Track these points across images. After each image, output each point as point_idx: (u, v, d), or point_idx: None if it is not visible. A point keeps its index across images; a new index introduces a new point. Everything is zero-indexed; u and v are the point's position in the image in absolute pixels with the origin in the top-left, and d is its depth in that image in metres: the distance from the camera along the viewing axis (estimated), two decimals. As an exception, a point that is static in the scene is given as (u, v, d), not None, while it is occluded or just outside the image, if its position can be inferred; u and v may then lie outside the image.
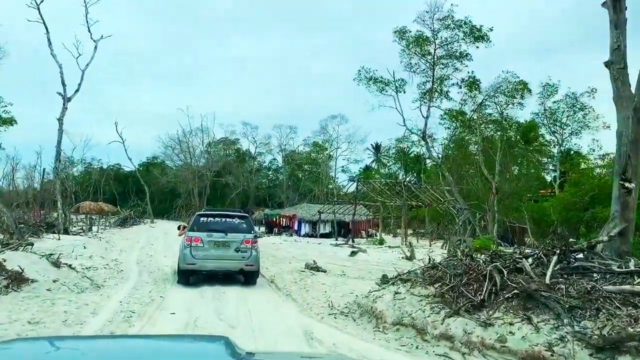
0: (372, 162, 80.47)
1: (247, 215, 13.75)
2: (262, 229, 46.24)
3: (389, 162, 78.33)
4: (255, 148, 79.32)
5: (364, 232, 42.06)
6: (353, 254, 22.44)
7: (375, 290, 9.72)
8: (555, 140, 41.02)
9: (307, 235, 39.02)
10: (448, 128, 35.61)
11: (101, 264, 14.42)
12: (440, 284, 8.80)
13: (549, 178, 48.40)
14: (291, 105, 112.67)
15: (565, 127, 40.32)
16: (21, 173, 68.36)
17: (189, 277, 11.94)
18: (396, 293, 9.11)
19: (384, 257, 21.87)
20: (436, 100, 32.52)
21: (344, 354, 5.70)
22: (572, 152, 46.49)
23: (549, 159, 45.06)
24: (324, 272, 15.68)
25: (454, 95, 33.46)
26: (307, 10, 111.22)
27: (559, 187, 40.98)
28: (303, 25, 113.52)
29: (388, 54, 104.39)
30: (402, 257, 21.40)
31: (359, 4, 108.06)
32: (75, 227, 36.25)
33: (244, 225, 12.68)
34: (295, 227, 39.43)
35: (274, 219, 42.33)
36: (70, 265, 11.57)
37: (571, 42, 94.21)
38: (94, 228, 36.50)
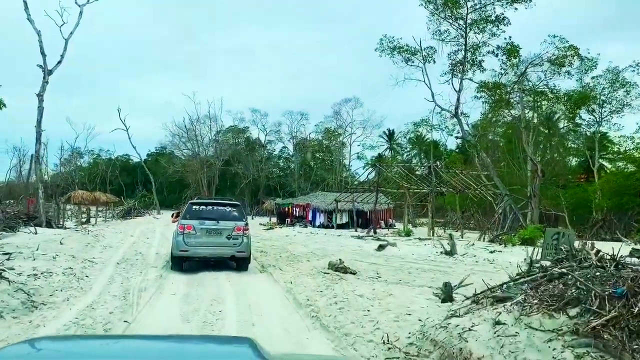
0: (385, 149, 76.60)
1: (238, 203, 13.78)
2: (274, 219, 42.82)
3: (403, 149, 74.41)
4: (265, 136, 75.69)
5: (383, 222, 38.51)
6: (381, 248, 18.79)
7: (456, 316, 6.10)
8: (594, 118, 36.79)
9: (322, 225, 35.45)
10: (485, 102, 31.58)
11: (64, 267, 10.89)
12: (578, 309, 5.18)
13: (575, 161, 44.41)
14: (301, 96, 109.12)
15: (605, 105, 36.11)
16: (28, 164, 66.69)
17: (182, 263, 12.05)
18: (497, 323, 5.48)
19: (418, 252, 18.22)
20: (469, 71, 28.58)
21: None
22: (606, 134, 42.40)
23: (584, 141, 40.90)
24: (354, 274, 12.08)
25: (490, 64, 29.39)
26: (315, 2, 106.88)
27: (597, 172, 37.01)
28: (313, 16, 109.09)
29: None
30: (441, 252, 17.75)
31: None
32: (70, 219, 33.25)
33: (236, 214, 12.88)
34: (310, 218, 35.87)
35: (287, 209, 38.78)
36: (0, 273, 8.02)
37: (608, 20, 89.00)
38: (92, 220, 33.36)
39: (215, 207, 12.99)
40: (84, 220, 32.92)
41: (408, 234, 25.54)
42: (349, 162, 73.35)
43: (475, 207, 40.11)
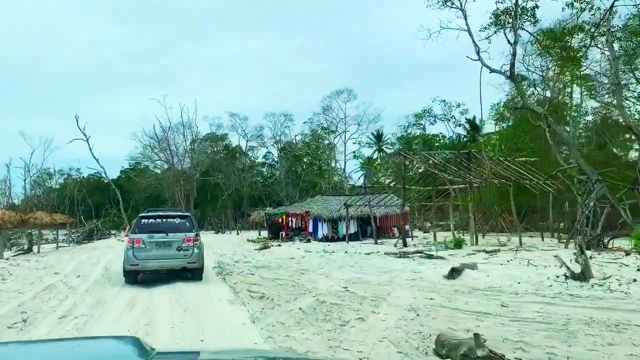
0: (374, 152, 69.35)
1: (188, 214, 13.29)
2: (264, 233, 35.02)
3: (397, 148, 67.13)
4: (247, 142, 67.90)
5: (395, 229, 31.24)
6: (455, 274, 11.31)
7: None
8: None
9: (326, 238, 27.97)
10: (546, 57, 24.13)
11: None
12: None
13: None
14: (281, 102, 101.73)
15: None
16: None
17: (135, 277, 11.86)
18: None
19: (523, 278, 10.84)
20: (526, 20, 21.30)
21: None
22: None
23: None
24: (500, 357, 4.67)
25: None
26: (288, 8, 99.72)
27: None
28: (286, 24, 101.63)
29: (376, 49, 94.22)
30: (565, 277, 10.40)
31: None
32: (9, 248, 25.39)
33: (186, 224, 12.41)
34: (310, 229, 28.32)
35: (280, 220, 31.15)
36: None
37: None
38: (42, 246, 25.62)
39: (164, 220, 12.51)
40: (27, 247, 25.25)
41: (459, 244, 18.10)
42: (344, 162, 65.71)
43: (501, 205, 33.13)
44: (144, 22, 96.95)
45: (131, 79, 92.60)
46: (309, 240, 26.07)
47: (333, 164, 64.76)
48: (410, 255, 14.67)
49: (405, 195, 21.34)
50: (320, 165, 65.15)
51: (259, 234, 37.88)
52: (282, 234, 30.70)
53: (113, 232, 49.00)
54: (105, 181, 59.89)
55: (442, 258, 14.50)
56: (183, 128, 62.18)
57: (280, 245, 21.57)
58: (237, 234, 44.66)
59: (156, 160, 63.36)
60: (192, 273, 12.22)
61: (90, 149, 51.90)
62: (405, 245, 20.45)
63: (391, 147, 68.36)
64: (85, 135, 51.33)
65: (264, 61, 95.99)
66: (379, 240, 26.04)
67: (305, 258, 16.07)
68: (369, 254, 16.39)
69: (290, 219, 29.72)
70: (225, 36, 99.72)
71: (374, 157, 69.34)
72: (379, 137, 68.59)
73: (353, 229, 28.97)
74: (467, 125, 54.17)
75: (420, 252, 14.70)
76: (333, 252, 18.22)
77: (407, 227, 32.75)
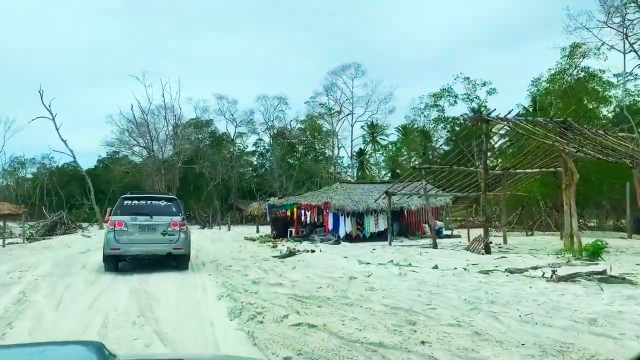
0: (367, 143, 62.62)
1: (174, 197, 12.09)
2: (265, 230, 28.12)
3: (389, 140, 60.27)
4: (235, 127, 60.72)
5: (426, 225, 24.91)
6: None
7: None
8: None
9: (348, 236, 21.39)
10: None
11: None
12: None
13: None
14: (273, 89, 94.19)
15: None
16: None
17: (116, 263, 10.95)
18: None
19: None
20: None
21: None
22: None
23: None
24: None
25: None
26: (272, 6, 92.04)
27: None
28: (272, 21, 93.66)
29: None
30: None
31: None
32: None
33: (172, 208, 11.35)
34: (330, 225, 21.58)
35: (287, 214, 24.28)
36: None
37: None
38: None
39: (149, 202, 11.42)
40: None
41: (596, 252, 11.48)
42: (351, 148, 58.55)
43: (547, 198, 26.98)
44: (131, 15, 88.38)
45: (114, 73, 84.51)
46: (337, 241, 19.21)
47: (336, 152, 57.73)
48: (575, 280, 8.04)
49: (486, 178, 14.67)
50: (317, 154, 58.42)
51: (257, 230, 31.00)
52: (291, 231, 23.93)
53: (85, 225, 41.80)
54: (81, 172, 52.46)
55: (628, 282, 8.01)
56: (165, 110, 54.76)
57: (311, 252, 14.41)
58: (229, 229, 37.68)
59: (134, 147, 55.76)
60: (178, 261, 11.18)
61: (57, 129, 44.31)
62: (487, 251, 13.89)
63: (386, 139, 61.94)
64: (52, 113, 43.76)
65: (255, 56, 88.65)
66: (408, 240, 19.58)
67: (376, 278, 9.31)
68: (487, 272, 9.57)
69: (302, 212, 22.89)
70: (210, 35, 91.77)
71: (366, 149, 62.93)
72: (372, 126, 62.01)
73: (383, 225, 22.38)
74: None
75: (590, 274, 8.13)
76: (410, 264, 11.42)
77: (438, 223, 26.35)
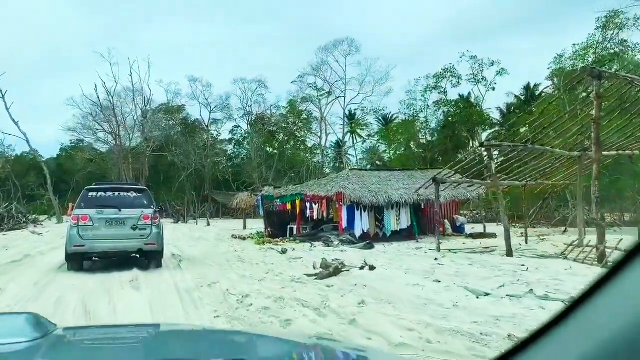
0: (346, 134, 58.04)
1: (145, 189, 11.10)
2: (257, 226, 23.60)
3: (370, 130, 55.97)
4: (210, 113, 55.60)
5: (447, 221, 21.20)
6: None
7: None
8: None
9: (366, 234, 17.28)
10: None
11: None
12: None
13: None
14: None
15: None
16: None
17: (81, 262, 9.84)
18: None
19: None
20: None
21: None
22: None
23: None
24: None
25: None
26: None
27: None
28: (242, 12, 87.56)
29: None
30: None
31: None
32: None
33: (143, 200, 10.27)
34: (344, 221, 17.35)
35: (287, 207, 19.93)
36: None
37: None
38: None
39: (116, 193, 10.29)
40: None
41: None
42: (343, 134, 54.17)
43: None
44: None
45: (78, 58, 77.19)
46: (369, 245, 14.85)
47: (324, 139, 53.27)
48: None
49: (598, 160, 10.49)
50: (298, 142, 53.97)
51: (245, 227, 26.51)
52: (292, 228, 19.62)
53: (41, 219, 36.43)
54: (40, 160, 46.33)
55: None
56: (133, 92, 49.27)
57: (369, 268, 9.56)
58: (208, 224, 33.03)
59: (99, 132, 50.04)
60: (150, 258, 10.03)
61: (8, 109, 38.57)
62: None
63: (364, 129, 57.74)
64: (1, 91, 37.97)
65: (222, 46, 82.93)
66: (422, 239, 15.63)
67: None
68: None
69: (308, 204, 18.55)
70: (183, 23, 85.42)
71: (345, 140, 58.58)
72: (351, 116, 57.64)
73: (405, 222, 18.35)
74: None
75: None
76: (531, 290, 7.18)
77: (460, 219, 22.55)
